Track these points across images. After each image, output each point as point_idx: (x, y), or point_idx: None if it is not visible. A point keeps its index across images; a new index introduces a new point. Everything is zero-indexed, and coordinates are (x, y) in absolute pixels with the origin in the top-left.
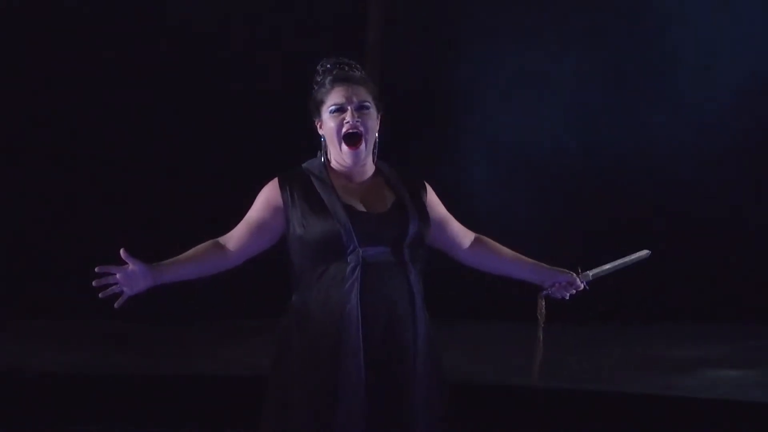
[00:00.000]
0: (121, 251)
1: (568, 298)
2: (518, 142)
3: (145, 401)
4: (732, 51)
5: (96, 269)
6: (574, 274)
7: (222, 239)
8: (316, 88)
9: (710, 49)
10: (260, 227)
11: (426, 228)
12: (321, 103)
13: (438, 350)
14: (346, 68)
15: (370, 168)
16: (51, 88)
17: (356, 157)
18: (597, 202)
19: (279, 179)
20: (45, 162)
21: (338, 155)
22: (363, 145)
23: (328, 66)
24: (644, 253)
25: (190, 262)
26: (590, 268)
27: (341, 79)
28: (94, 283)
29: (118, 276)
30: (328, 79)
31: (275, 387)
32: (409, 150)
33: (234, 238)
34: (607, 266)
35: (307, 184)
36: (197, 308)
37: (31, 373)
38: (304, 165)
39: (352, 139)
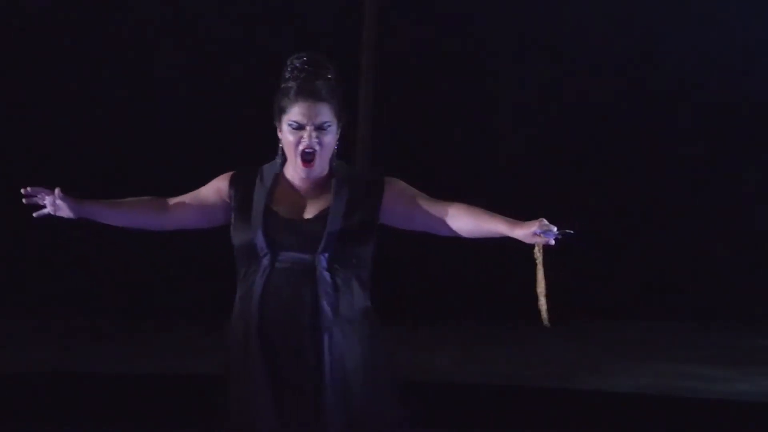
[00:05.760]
0: (57, 190)
1: (553, 242)
2: None
3: (147, 401)
4: None
5: (24, 190)
6: (544, 220)
7: (163, 199)
8: (281, 87)
9: None
10: (203, 206)
11: (353, 235)
12: (282, 111)
13: (377, 355)
14: (314, 73)
15: (322, 173)
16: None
17: (310, 173)
18: None
19: (232, 177)
20: (36, 163)
21: (293, 166)
22: (317, 162)
23: (297, 66)
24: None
25: (122, 209)
26: None
27: (305, 94)
28: (24, 201)
29: (47, 200)
30: (293, 88)
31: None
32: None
33: (176, 203)
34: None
35: (250, 187)
36: (204, 306)
37: (32, 372)
38: (264, 165)
39: (307, 156)
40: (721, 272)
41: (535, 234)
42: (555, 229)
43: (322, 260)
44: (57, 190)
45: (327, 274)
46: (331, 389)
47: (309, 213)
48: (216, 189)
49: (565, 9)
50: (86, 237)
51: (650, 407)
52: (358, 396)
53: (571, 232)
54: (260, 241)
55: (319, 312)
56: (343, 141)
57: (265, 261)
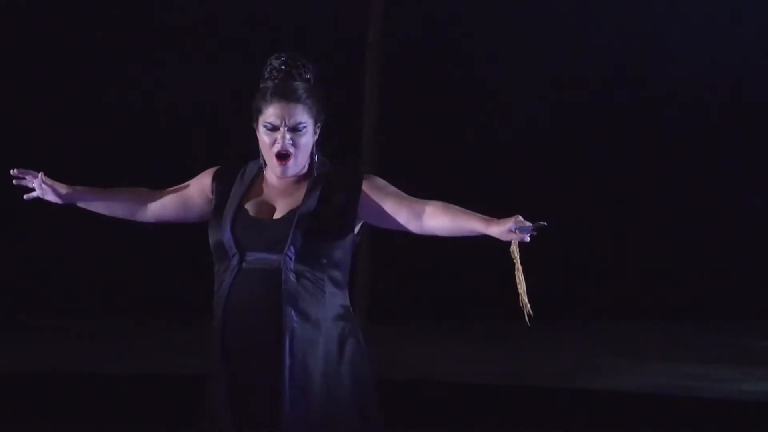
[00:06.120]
0: (40, 174)
1: (528, 238)
2: None
3: (147, 401)
4: None
5: (12, 171)
6: (519, 217)
7: (149, 190)
8: (259, 87)
9: None
10: (186, 200)
11: (323, 234)
12: (258, 111)
13: (343, 359)
14: (291, 74)
15: (299, 173)
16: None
17: (285, 171)
18: None
19: (216, 172)
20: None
21: (270, 166)
22: (292, 161)
23: (275, 66)
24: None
25: (107, 196)
26: None
27: (280, 95)
28: (14, 182)
29: (34, 182)
30: (270, 89)
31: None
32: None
33: (162, 195)
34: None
35: (230, 184)
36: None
37: (32, 372)
38: (250, 162)
39: (281, 157)
40: (721, 272)
41: (510, 231)
42: (530, 225)
43: (288, 261)
44: (40, 174)
45: (292, 275)
46: (290, 391)
47: (279, 213)
48: (200, 183)
49: (565, 8)
50: (86, 237)
51: (651, 407)
52: (318, 399)
53: (545, 224)
54: (228, 240)
55: (282, 314)
56: (349, 140)
57: (234, 261)
